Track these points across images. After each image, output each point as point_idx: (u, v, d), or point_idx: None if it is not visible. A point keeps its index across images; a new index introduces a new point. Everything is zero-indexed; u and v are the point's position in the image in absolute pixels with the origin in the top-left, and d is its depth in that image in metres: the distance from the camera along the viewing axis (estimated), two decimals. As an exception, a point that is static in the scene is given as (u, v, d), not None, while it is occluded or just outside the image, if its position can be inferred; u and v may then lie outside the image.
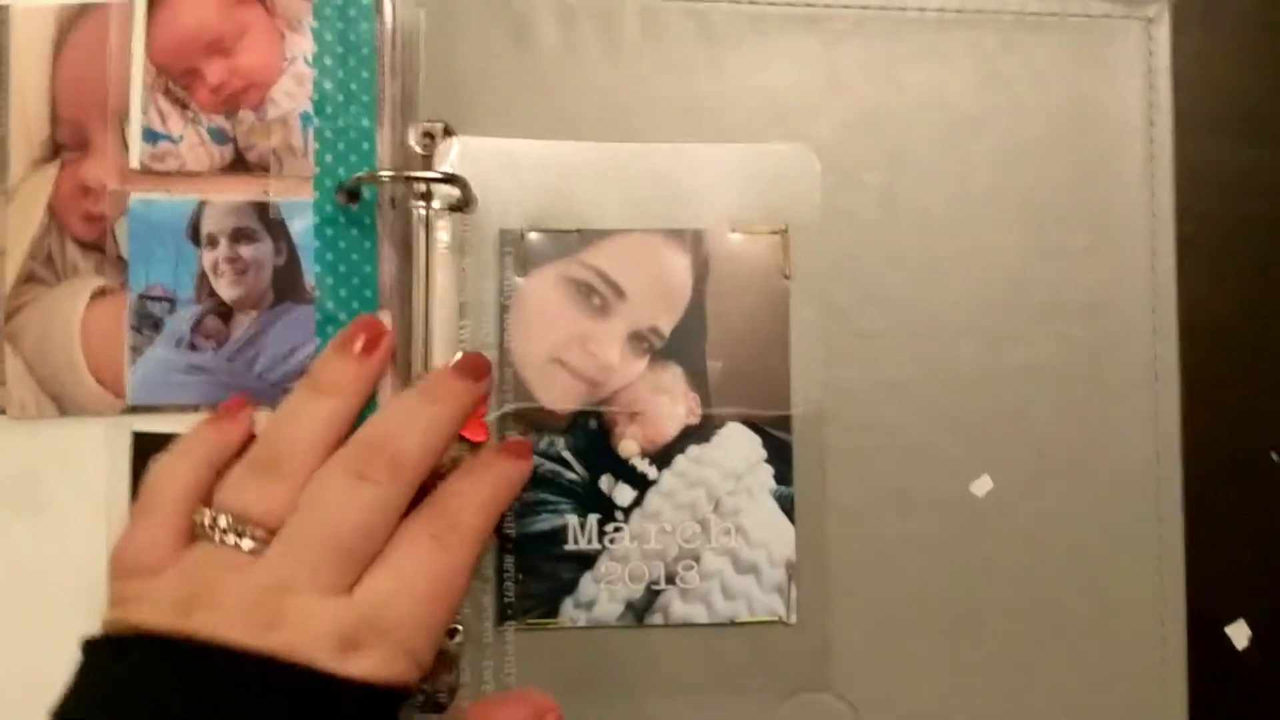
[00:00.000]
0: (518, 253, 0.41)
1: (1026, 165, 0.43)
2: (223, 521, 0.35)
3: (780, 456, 0.41)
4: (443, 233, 0.41)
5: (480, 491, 0.38)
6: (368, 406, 0.39)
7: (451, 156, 0.41)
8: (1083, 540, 0.42)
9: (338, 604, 0.34)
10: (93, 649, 0.34)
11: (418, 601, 0.35)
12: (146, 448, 0.39)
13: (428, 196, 0.41)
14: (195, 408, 0.40)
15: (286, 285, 0.40)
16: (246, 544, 0.35)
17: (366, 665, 0.34)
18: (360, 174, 0.40)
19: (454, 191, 0.41)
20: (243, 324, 0.40)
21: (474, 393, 0.39)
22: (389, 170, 0.41)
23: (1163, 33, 0.44)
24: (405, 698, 0.36)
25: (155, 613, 0.34)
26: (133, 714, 0.32)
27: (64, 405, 0.40)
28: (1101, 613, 0.42)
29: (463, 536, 0.37)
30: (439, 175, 0.40)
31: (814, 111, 0.43)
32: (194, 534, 0.36)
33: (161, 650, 0.33)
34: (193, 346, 0.40)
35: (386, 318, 0.40)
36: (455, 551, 0.36)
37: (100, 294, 0.40)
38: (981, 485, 0.42)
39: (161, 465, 0.38)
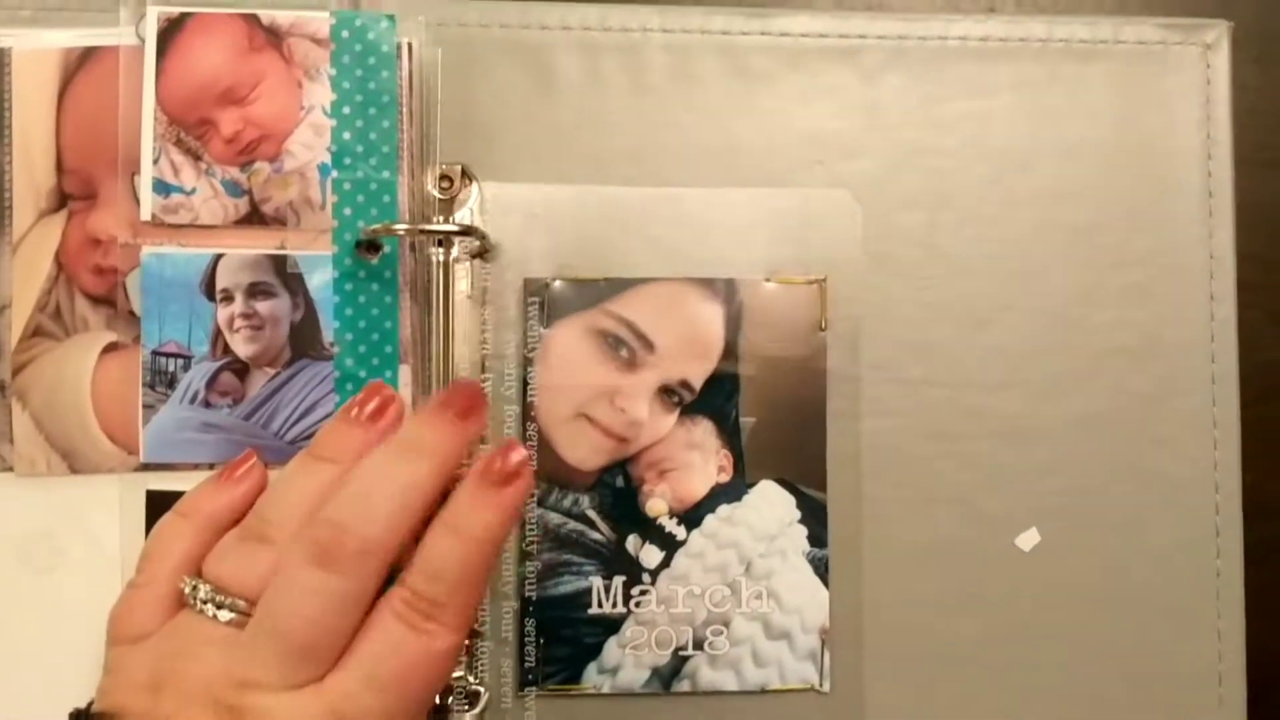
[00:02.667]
0: (543, 302, 0.44)
1: (1075, 204, 0.46)
2: (203, 591, 0.38)
3: (815, 517, 0.45)
4: (462, 281, 0.44)
5: (457, 553, 0.39)
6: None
7: (471, 203, 0.44)
8: (1137, 598, 0.45)
9: (303, 699, 0.37)
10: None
11: (389, 694, 0.37)
12: (161, 506, 0.42)
13: (447, 246, 0.44)
14: (210, 466, 0.43)
15: (304, 341, 0.43)
16: (225, 615, 0.38)
17: None
18: (375, 227, 0.43)
19: (474, 242, 0.44)
20: (259, 381, 0.43)
21: (461, 437, 0.40)
22: (406, 223, 0.44)
23: (1221, 60, 0.47)
24: None
25: (129, 688, 0.38)
26: None
27: (75, 463, 0.43)
28: (1156, 675, 0.45)
29: (441, 618, 0.38)
30: (455, 228, 0.43)
31: (851, 150, 0.46)
32: (182, 600, 0.39)
33: None
34: (208, 404, 0.43)
35: (407, 373, 0.43)
36: (433, 633, 0.38)
37: (111, 349, 0.43)
38: (1028, 539, 0.45)
39: (160, 526, 0.42)
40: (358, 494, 0.39)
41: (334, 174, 0.44)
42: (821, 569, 0.44)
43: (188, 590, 0.39)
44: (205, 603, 0.38)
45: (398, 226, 0.43)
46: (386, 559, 0.38)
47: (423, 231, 0.43)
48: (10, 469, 0.43)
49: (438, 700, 0.43)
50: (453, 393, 0.41)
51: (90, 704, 0.39)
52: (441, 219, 0.44)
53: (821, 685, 0.44)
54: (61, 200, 0.43)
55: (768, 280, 0.45)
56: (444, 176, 0.44)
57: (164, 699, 0.37)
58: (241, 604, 0.38)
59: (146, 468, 0.43)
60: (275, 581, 0.38)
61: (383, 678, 0.37)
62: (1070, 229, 0.46)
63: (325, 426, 0.42)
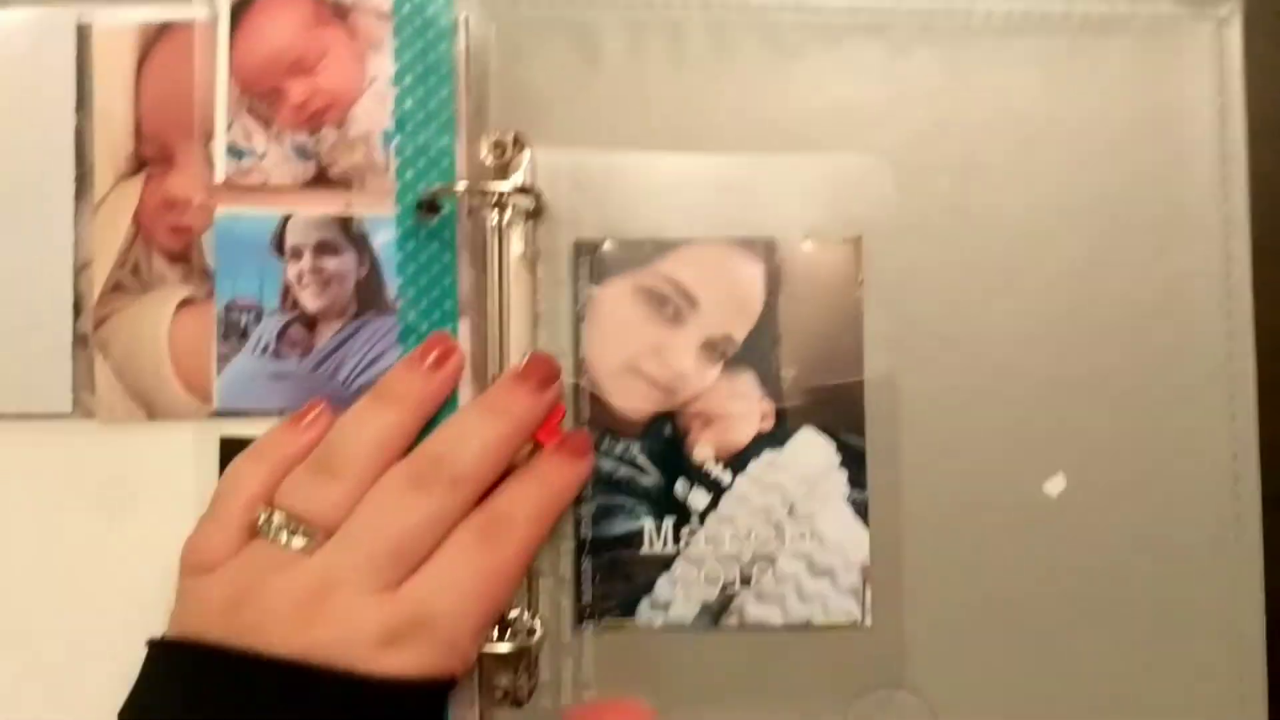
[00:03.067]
0: (592, 263, 0.48)
1: (1096, 171, 0.49)
2: (276, 519, 0.42)
3: (854, 462, 0.47)
4: (516, 242, 0.47)
5: (533, 494, 0.44)
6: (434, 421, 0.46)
7: (524, 168, 0.47)
8: (1159, 541, 0.48)
9: (381, 600, 0.40)
10: (151, 650, 0.41)
11: (462, 596, 0.41)
12: (233, 451, 0.45)
13: (501, 207, 0.47)
14: (280, 413, 0.46)
15: (369, 296, 0.47)
16: (297, 542, 0.41)
17: (406, 659, 0.40)
18: (435, 187, 0.46)
19: (527, 202, 0.47)
20: (326, 333, 0.46)
21: (539, 403, 0.45)
22: (464, 182, 0.47)
23: (1234, 33, 0.50)
24: (448, 690, 0.42)
25: (206, 613, 0.41)
26: (173, 716, 0.39)
27: (152, 410, 0.46)
28: (1178, 613, 0.48)
29: (511, 536, 0.43)
30: (512, 186, 0.46)
31: (882, 121, 0.49)
32: (255, 532, 0.42)
33: (205, 655, 0.40)
34: (278, 355, 0.46)
35: (466, 327, 0.46)
36: (503, 550, 0.42)
37: (187, 303, 0.47)
38: (1055, 486, 0.48)
39: (234, 466, 0.45)
40: (451, 436, 0.43)
41: (396, 139, 0.47)
42: (862, 510, 0.47)
43: (262, 520, 0.42)
44: (279, 530, 0.41)
45: (457, 185, 0.46)
46: (473, 493, 0.42)
47: (481, 191, 0.46)
48: (92, 416, 0.46)
49: (498, 638, 0.45)
50: (531, 365, 0.45)
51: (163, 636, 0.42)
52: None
53: (864, 620, 0.47)
54: (140, 164, 0.47)
55: (805, 240, 0.48)
56: (497, 144, 0.47)
57: (243, 614, 0.40)
58: (313, 531, 0.41)
59: (219, 415, 0.46)
60: (368, 499, 0.41)
61: (455, 585, 0.41)
62: (1090, 194, 0.49)
63: (390, 372, 0.45)
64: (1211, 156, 0.49)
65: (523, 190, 0.46)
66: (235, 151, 0.47)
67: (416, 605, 0.40)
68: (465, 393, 0.46)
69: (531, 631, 0.46)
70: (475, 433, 0.43)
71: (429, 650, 0.40)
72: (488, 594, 0.42)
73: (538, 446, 0.46)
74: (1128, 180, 0.49)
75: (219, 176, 0.47)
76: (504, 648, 0.45)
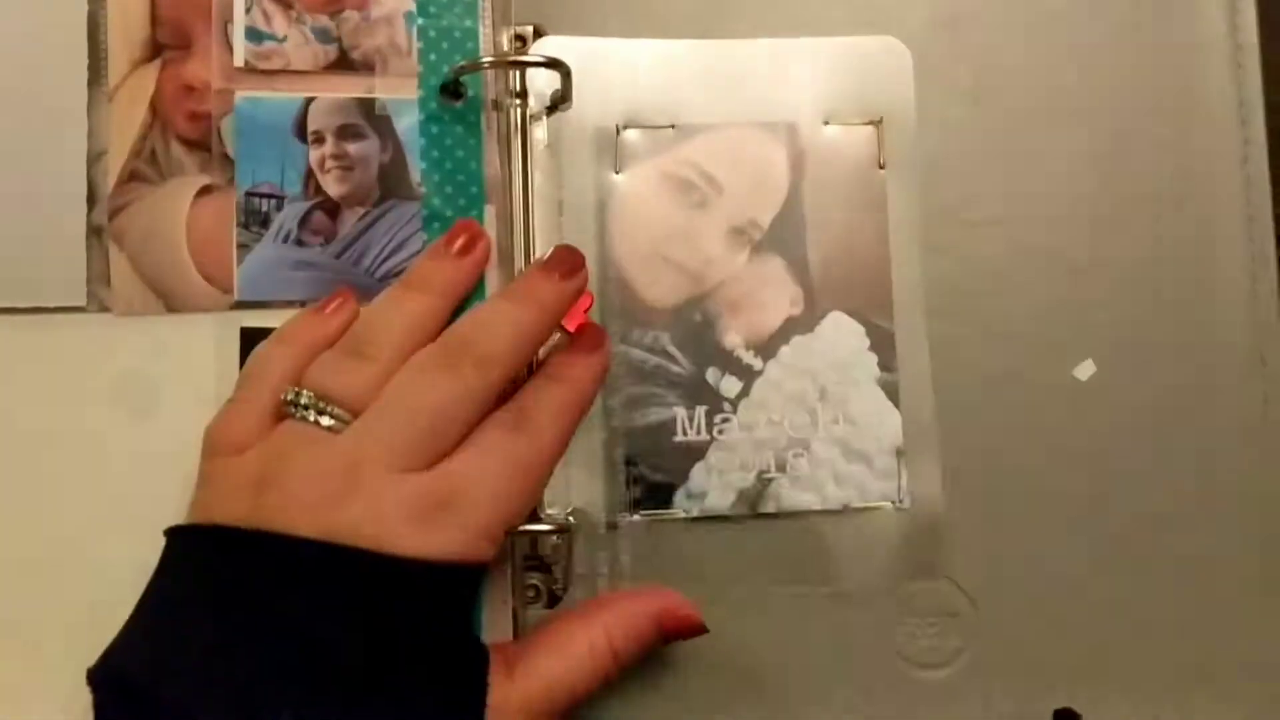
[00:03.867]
0: (616, 149, 0.48)
1: (1111, 58, 0.51)
2: (304, 399, 0.41)
3: (884, 345, 0.48)
4: (540, 131, 0.48)
5: (555, 391, 0.44)
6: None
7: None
8: (1187, 424, 0.49)
9: (411, 479, 0.40)
10: (170, 538, 0.41)
11: (493, 479, 0.41)
12: (255, 342, 0.45)
13: (523, 95, 0.48)
14: (302, 303, 0.46)
15: (393, 182, 0.47)
16: (326, 421, 0.41)
17: (436, 541, 0.39)
18: (461, 63, 0.47)
19: (550, 88, 0.48)
20: (350, 220, 0.47)
21: (565, 292, 0.45)
22: (490, 56, 0.48)
23: None
24: (479, 576, 0.43)
25: (230, 496, 0.40)
26: (199, 604, 0.39)
27: (171, 302, 0.46)
28: (1207, 491, 0.49)
29: (541, 429, 0.43)
30: (539, 59, 0.47)
31: (901, 9, 0.51)
32: (282, 414, 0.42)
33: (227, 539, 0.39)
34: (300, 243, 0.46)
35: (491, 213, 0.47)
36: (533, 439, 0.42)
37: (206, 191, 0.46)
38: (1084, 370, 0.49)
39: (259, 350, 0.45)
40: (480, 320, 0.43)
41: (419, 21, 0.47)
42: (893, 393, 0.48)
43: (289, 398, 0.41)
44: (307, 409, 0.41)
45: (484, 60, 0.47)
46: (500, 377, 0.43)
47: (509, 63, 0.47)
48: (107, 310, 0.46)
49: (531, 534, 0.46)
50: (556, 255, 0.45)
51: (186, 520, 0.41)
52: (517, 73, 0.48)
53: (901, 502, 0.48)
54: (156, 49, 0.47)
55: (826, 123, 0.49)
56: (518, 36, 0.48)
57: (267, 495, 0.39)
58: (342, 411, 0.41)
59: (240, 306, 0.46)
60: (397, 379, 0.41)
61: (485, 470, 0.41)
62: (1106, 82, 0.50)
63: (419, 259, 0.46)
64: (1224, 44, 0.51)
65: (551, 63, 0.47)
66: (255, 34, 0.47)
67: (447, 485, 0.40)
68: (492, 280, 0.47)
69: (566, 528, 0.46)
70: (503, 317, 0.43)
71: (459, 532, 0.40)
72: (518, 482, 0.42)
73: (565, 336, 0.46)
74: (1141, 67, 0.51)
75: (238, 60, 0.47)
76: (540, 527, 0.45)
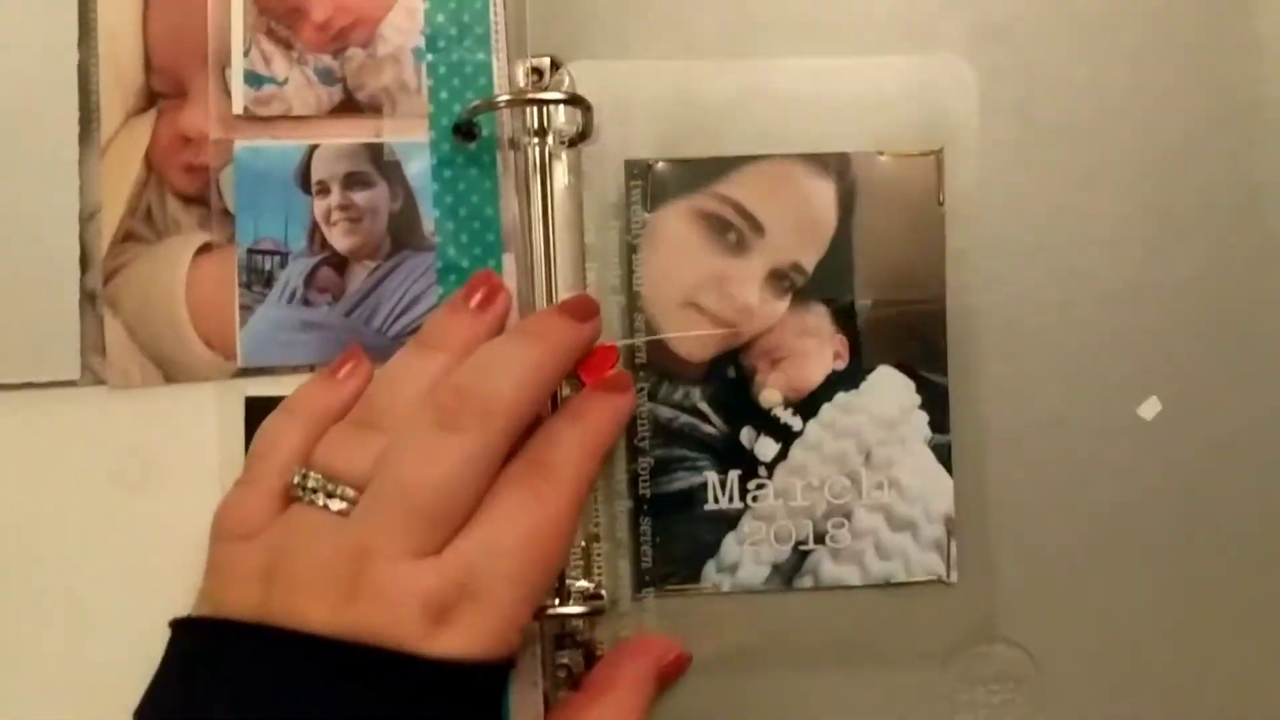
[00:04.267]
0: (645, 185, 0.45)
1: (1167, 63, 0.46)
2: (312, 481, 0.39)
3: (935, 401, 0.45)
4: (560, 169, 0.45)
5: (573, 434, 0.41)
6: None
7: (565, 87, 0.45)
8: (1265, 462, 0.46)
9: (424, 568, 0.37)
10: (175, 630, 0.39)
11: (512, 559, 0.38)
12: (261, 412, 0.43)
13: (542, 133, 0.44)
14: (311, 367, 0.44)
15: (404, 232, 0.44)
16: (335, 505, 0.38)
17: (457, 639, 0.37)
18: (475, 103, 0.44)
19: (571, 125, 0.45)
20: (359, 275, 0.44)
21: (577, 333, 0.42)
22: (506, 95, 0.44)
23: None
24: (506, 672, 0.40)
25: (238, 586, 0.38)
26: (208, 703, 0.37)
27: (170, 371, 0.44)
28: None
29: (560, 485, 0.40)
30: (559, 96, 0.44)
31: (942, 20, 0.46)
32: (292, 496, 0.40)
33: (236, 634, 0.37)
34: (306, 302, 0.44)
35: (510, 262, 0.44)
36: (552, 502, 0.39)
37: (205, 250, 0.44)
38: (1149, 408, 0.46)
39: (267, 425, 0.43)
40: (479, 364, 0.40)
41: (429, 57, 0.45)
42: (944, 455, 0.45)
43: (297, 480, 0.39)
44: (315, 492, 0.39)
45: (499, 99, 0.44)
46: (509, 425, 0.39)
47: (525, 101, 0.44)
48: (103, 382, 0.44)
49: (558, 603, 0.44)
50: (569, 300, 0.43)
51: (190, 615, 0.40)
52: (535, 110, 0.45)
53: (949, 575, 0.45)
54: (150, 99, 0.44)
55: (881, 154, 0.45)
56: (534, 69, 0.45)
57: (276, 587, 0.37)
58: (353, 493, 0.38)
59: (245, 373, 0.44)
60: (393, 444, 0.39)
61: (503, 545, 0.38)
62: (1162, 88, 0.46)
63: (433, 315, 0.43)
64: None
65: (571, 100, 0.44)
66: (254, 78, 0.44)
67: (463, 573, 0.37)
68: (511, 336, 0.44)
69: (598, 597, 0.44)
70: (506, 360, 0.40)
71: (482, 623, 0.37)
72: (541, 554, 0.39)
73: (583, 386, 0.44)
74: (1200, 71, 0.47)
75: (237, 107, 0.44)
76: (572, 609, 0.43)
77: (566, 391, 0.44)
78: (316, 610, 0.36)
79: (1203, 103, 0.46)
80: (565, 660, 0.44)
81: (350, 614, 0.36)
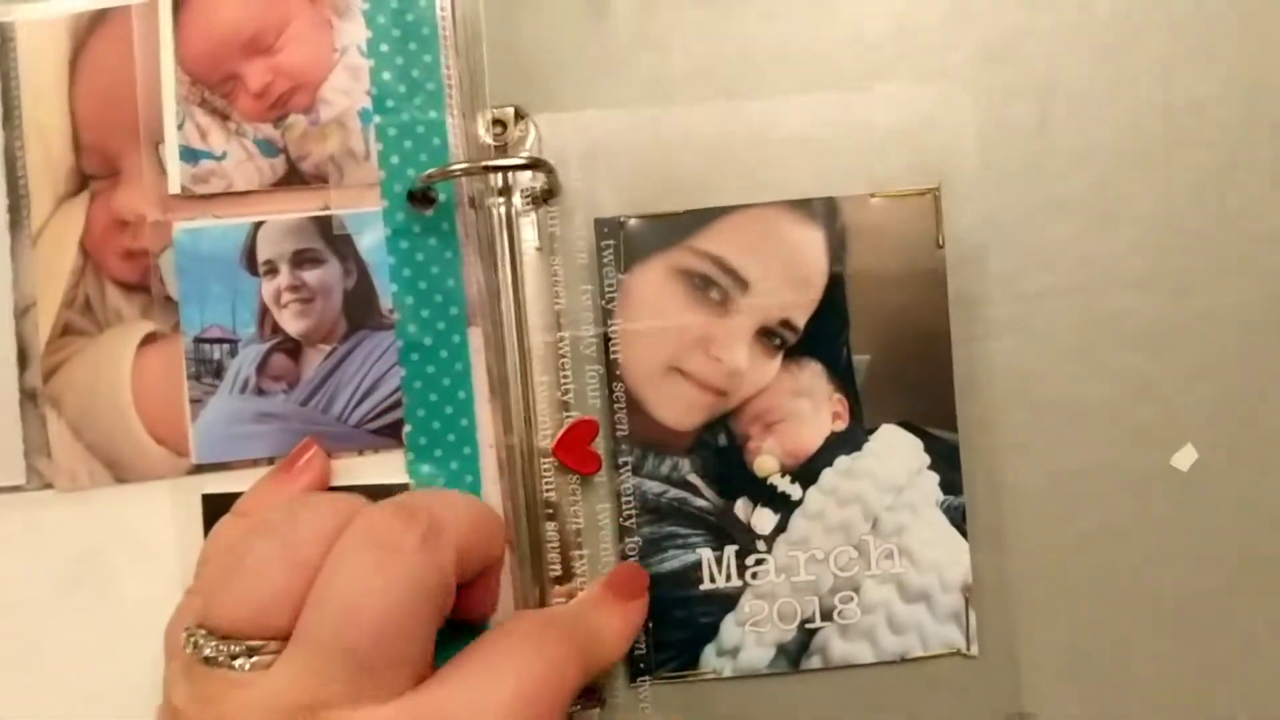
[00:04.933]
0: (617, 245, 0.43)
1: (1195, 76, 0.43)
2: (207, 647, 0.34)
3: (946, 460, 0.42)
4: (528, 231, 0.42)
5: (616, 619, 0.40)
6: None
7: (529, 143, 0.42)
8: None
9: (388, 718, 0.33)
10: None
11: (503, 716, 0.34)
12: (219, 511, 0.41)
13: (507, 192, 0.42)
14: (270, 460, 0.42)
15: (361, 311, 0.42)
16: (241, 664, 0.34)
17: None
18: (429, 171, 0.41)
19: (536, 182, 0.42)
20: (315, 360, 0.42)
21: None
22: (462, 163, 0.42)
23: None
24: None
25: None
26: None
27: (120, 471, 0.42)
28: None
29: (572, 633, 0.37)
30: (519, 161, 0.41)
31: (939, 44, 0.43)
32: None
33: None
34: (260, 391, 0.42)
35: (477, 336, 0.42)
36: (558, 653, 0.36)
37: (150, 340, 0.42)
38: (1185, 457, 0.43)
39: (219, 529, 0.40)
40: (423, 493, 0.39)
41: (377, 119, 0.42)
42: (958, 518, 0.42)
43: (189, 650, 0.34)
44: (214, 661, 0.34)
45: (454, 167, 0.41)
46: (459, 556, 0.36)
47: (483, 169, 0.41)
48: (50, 486, 0.42)
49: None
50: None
51: None
52: (499, 169, 0.42)
53: (969, 649, 0.42)
54: (82, 181, 0.42)
55: (872, 196, 0.43)
56: (496, 121, 0.42)
57: None
58: (257, 644, 0.34)
59: (199, 470, 0.42)
60: (324, 578, 0.34)
61: (497, 696, 0.34)
62: (1192, 104, 0.43)
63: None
64: None
65: (535, 164, 0.41)
66: (190, 154, 0.42)
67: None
68: (482, 410, 0.42)
69: (591, 693, 0.42)
70: (456, 499, 0.39)
71: None
72: (535, 708, 0.34)
73: (562, 465, 0.42)
74: (1232, 83, 0.44)
75: (174, 186, 0.42)
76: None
77: (550, 492, 0.42)
78: None
79: (1239, 118, 0.43)
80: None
81: None
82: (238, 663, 0.33)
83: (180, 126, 0.42)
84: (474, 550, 0.37)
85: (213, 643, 0.34)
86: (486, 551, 0.38)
